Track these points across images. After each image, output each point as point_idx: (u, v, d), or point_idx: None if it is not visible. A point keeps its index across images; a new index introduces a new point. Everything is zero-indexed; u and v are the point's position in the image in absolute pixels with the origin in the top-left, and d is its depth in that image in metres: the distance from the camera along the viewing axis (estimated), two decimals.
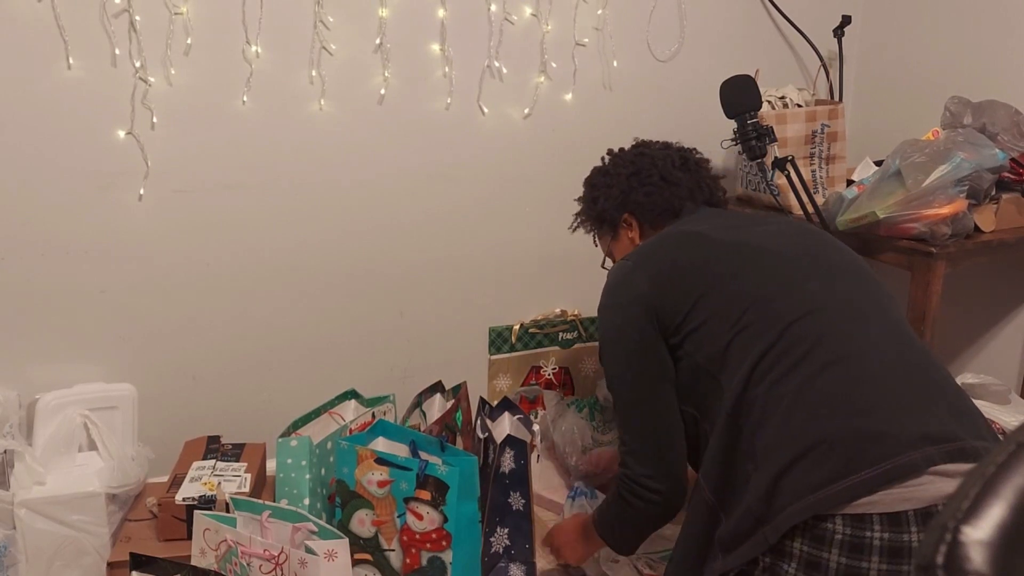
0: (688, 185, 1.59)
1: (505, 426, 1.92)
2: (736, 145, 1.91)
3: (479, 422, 1.85)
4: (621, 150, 1.70)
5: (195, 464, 1.79)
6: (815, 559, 1.12)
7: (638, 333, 1.39)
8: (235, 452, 1.85)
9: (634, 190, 1.60)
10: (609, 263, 1.70)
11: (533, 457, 2.03)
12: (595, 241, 1.75)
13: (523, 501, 1.75)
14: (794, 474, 1.15)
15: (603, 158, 1.72)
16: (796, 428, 1.17)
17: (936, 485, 1.10)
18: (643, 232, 1.60)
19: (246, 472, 1.76)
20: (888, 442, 1.12)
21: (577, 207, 1.76)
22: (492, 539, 1.73)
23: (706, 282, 1.35)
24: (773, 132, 1.85)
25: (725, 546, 1.23)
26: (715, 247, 1.40)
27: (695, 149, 1.70)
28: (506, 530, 1.74)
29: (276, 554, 1.46)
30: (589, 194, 1.70)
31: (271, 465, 1.80)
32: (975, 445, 1.14)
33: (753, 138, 1.83)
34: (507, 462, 1.74)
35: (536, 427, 2.01)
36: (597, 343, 2.37)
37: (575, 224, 1.76)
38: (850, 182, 2.02)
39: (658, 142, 1.69)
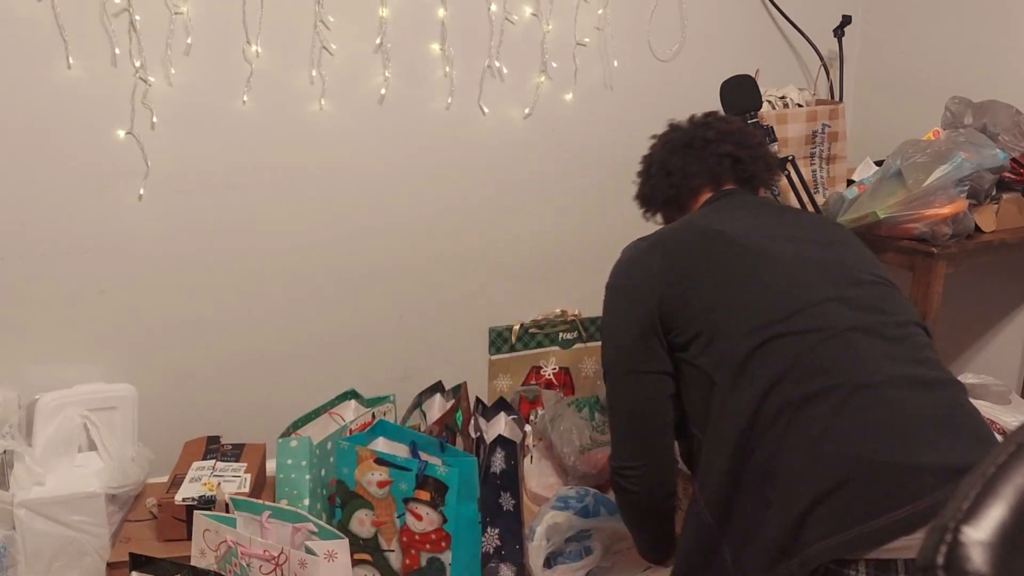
0: (687, 171, 1.48)
1: (501, 426, 1.92)
2: None
3: (472, 421, 1.85)
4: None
5: (195, 464, 1.79)
6: None
7: (637, 323, 1.33)
8: (235, 452, 1.85)
9: (642, 184, 1.56)
10: None
11: (527, 457, 2.03)
12: None
13: (514, 502, 1.74)
14: (826, 508, 1.07)
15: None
16: (827, 458, 1.10)
17: None
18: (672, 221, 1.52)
19: (246, 472, 1.76)
20: (924, 478, 1.05)
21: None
22: (483, 539, 1.73)
23: (720, 290, 1.28)
24: (773, 132, 1.85)
25: (744, 573, 1.17)
26: (735, 254, 1.31)
27: (731, 119, 1.57)
28: (497, 530, 1.74)
29: (276, 554, 1.46)
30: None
31: (271, 465, 1.80)
32: None
33: None
34: (498, 462, 1.73)
35: (528, 428, 2.00)
36: (598, 343, 2.38)
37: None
38: (851, 182, 2.02)
39: (696, 116, 1.57)
